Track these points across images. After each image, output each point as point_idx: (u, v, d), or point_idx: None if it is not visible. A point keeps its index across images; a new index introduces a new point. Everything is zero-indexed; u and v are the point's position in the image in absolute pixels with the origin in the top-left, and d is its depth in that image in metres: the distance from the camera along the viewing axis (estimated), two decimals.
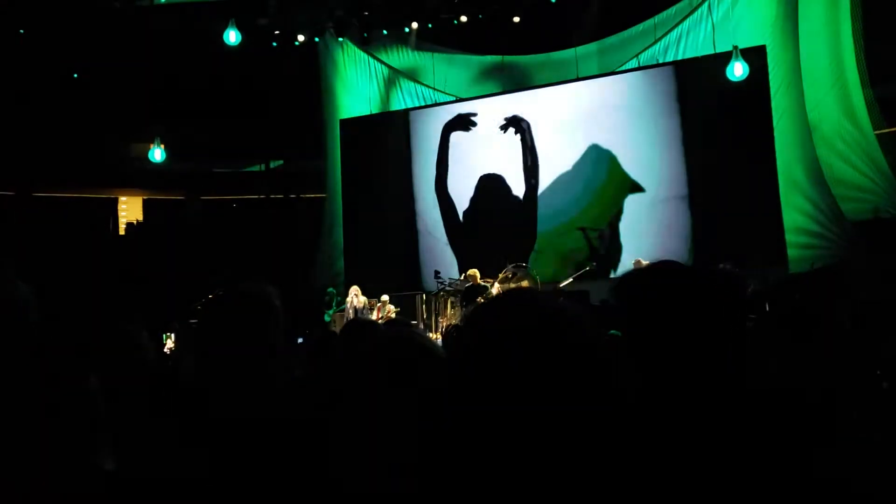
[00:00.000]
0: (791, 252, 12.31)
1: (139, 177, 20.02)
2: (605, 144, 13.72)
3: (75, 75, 18.94)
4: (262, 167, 19.52)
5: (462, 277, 12.47)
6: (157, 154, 15.31)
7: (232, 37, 13.76)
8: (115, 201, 21.78)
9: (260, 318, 2.02)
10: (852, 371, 3.00)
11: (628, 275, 1.53)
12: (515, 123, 14.37)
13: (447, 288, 12.56)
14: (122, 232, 20.51)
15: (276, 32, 15.48)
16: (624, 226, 13.47)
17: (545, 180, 14.22)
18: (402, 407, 1.31)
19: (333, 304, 13.73)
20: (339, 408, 1.45)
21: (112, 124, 19.00)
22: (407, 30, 15.69)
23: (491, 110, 14.76)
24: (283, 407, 2.01)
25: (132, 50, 16.78)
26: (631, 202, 13.40)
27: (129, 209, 21.85)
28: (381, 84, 16.60)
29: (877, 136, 12.65)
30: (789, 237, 12.38)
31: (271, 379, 2.02)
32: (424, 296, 13.40)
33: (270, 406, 1.97)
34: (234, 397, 1.93)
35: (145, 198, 21.92)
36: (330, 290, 14.10)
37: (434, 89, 15.98)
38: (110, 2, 13.86)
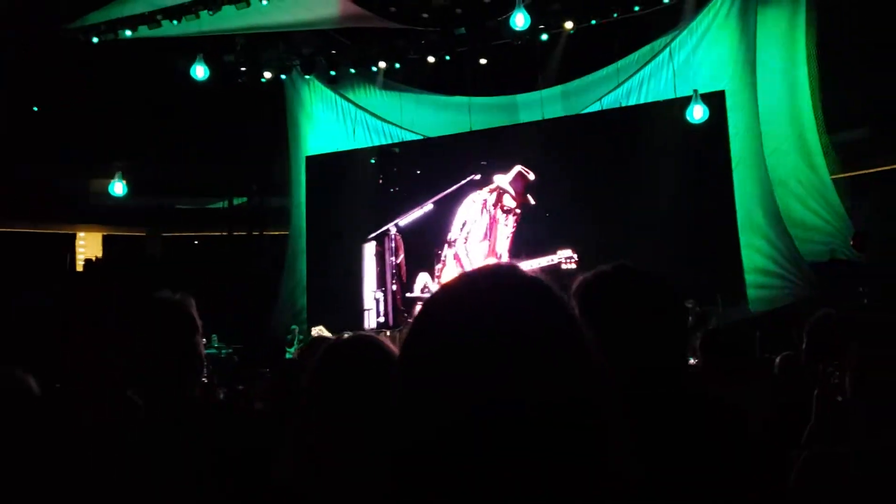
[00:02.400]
0: (751, 292, 12.46)
1: (99, 212, 19.68)
2: (567, 185, 13.81)
3: (35, 108, 18.68)
4: (225, 204, 19.32)
5: None
6: (118, 188, 15.07)
7: (199, 72, 13.69)
8: (73, 237, 21.35)
9: (178, 326, 2.11)
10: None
11: (583, 278, 1.68)
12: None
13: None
14: (79, 268, 20.07)
15: (243, 69, 15.45)
16: (584, 266, 13.46)
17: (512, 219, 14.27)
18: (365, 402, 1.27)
19: (295, 342, 13.52)
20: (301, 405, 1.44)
21: (72, 158, 18.70)
22: (375, 69, 15.78)
23: (457, 150, 14.85)
24: (203, 411, 2.09)
25: (95, 83, 16.62)
26: (590, 242, 13.36)
27: (88, 245, 21.42)
28: (348, 122, 16.62)
29: (833, 180, 12.96)
30: (749, 277, 12.53)
31: (190, 384, 2.09)
32: (388, 332, 13.24)
33: (191, 409, 2.03)
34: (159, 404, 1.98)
35: (105, 234, 21.53)
36: (293, 327, 13.91)
37: (401, 128, 16.04)
38: (74, 34, 13.71)
